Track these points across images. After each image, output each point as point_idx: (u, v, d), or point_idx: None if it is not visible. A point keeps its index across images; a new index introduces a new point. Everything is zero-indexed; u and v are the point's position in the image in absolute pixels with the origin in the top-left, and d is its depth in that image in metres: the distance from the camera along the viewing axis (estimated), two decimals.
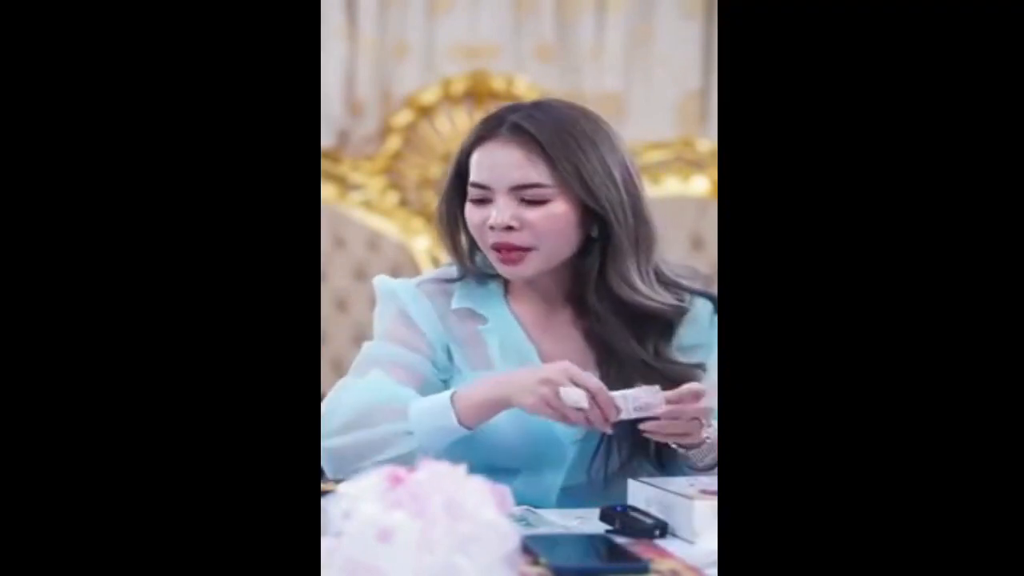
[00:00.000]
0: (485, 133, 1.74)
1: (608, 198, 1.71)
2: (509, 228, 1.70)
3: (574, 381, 1.59)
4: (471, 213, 1.74)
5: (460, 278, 1.80)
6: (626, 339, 1.74)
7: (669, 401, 1.60)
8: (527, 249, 1.71)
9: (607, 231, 1.72)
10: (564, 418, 1.60)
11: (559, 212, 1.71)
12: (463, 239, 1.79)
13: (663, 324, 1.75)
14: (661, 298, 1.74)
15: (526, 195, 1.71)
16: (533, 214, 1.70)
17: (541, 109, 1.75)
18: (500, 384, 1.66)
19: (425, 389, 1.72)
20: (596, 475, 1.72)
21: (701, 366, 1.75)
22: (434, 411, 1.65)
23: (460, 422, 1.64)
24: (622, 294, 1.73)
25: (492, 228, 1.71)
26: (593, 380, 1.61)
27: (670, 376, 1.71)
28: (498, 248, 1.72)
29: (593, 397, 1.59)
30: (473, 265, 1.79)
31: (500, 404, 1.65)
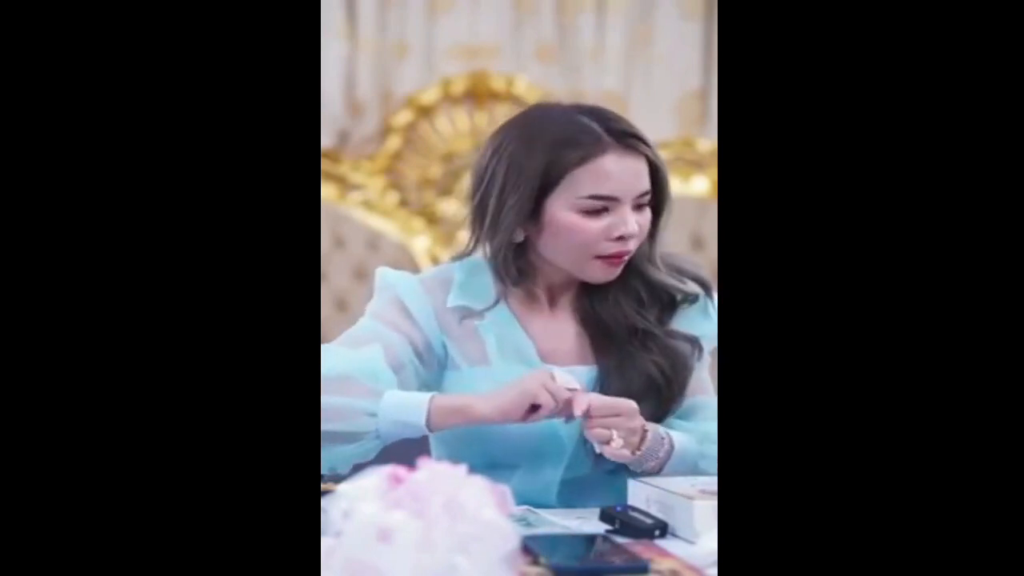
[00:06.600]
0: (592, 148, 1.70)
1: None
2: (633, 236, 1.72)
3: (548, 389, 1.62)
4: (587, 224, 1.70)
5: (496, 304, 1.77)
6: (627, 313, 1.76)
7: (604, 412, 1.63)
8: (629, 253, 1.74)
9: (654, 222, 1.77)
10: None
11: (650, 214, 1.75)
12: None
13: (668, 299, 1.79)
14: (674, 279, 1.79)
15: (642, 201, 1.73)
16: (642, 219, 1.73)
17: (613, 114, 1.75)
18: (484, 404, 1.65)
19: (401, 375, 1.72)
20: (596, 469, 1.72)
21: (697, 341, 1.78)
22: (408, 406, 1.65)
23: (427, 423, 1.65)
24: (649, 273, 1.77)
25: (622, 238, 1.70)
26: (565, 386, 1.64)
27: (668, 350, 1.75)
28: (616, 256, 1.72)
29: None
30: (513, 283, 1.77)
31: (478, 420, 1.65)
